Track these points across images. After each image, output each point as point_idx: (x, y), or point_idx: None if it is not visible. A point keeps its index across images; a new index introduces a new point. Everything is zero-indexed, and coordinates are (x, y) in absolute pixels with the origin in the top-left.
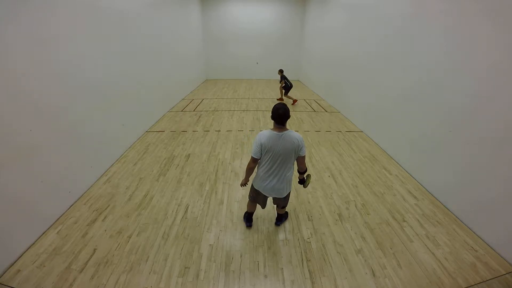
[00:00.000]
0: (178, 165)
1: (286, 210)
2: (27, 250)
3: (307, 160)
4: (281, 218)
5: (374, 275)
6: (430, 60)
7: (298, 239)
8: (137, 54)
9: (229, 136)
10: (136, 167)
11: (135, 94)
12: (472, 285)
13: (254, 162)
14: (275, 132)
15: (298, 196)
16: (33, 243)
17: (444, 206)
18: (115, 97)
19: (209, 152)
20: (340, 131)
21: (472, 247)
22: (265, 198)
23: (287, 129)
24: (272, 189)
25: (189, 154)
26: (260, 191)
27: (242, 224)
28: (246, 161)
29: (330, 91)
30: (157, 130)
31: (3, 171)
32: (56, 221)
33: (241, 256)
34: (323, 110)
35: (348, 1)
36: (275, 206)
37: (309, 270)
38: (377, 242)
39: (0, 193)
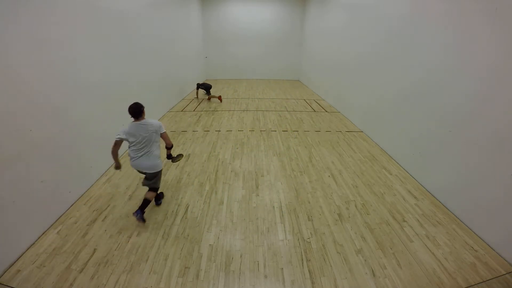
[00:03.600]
0: (178, 165)
1: (159, 192)
2: (27, 250)
3: (306, 159)
4: (159, 197)
5: (374, 275)
6: (430, 60)
7: (298, 239)
8: (137, 54)
9: (229, 136)
10: None
11: (135, 94)
12: (472, 285)
13: (116, 144)
14: (135, 123)
15: (298, 196)
16: (33, 243)
17: (444, 206)
18: (115, 97)
19: (209, 152)
20: (340, 131)
21: (472, 247)
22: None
23: (144, 119)
24: (139, 165)
25: (189, 154)
26: (135, 169)
27: (242, 224)
28: (246, 161)
29: (330, 91)
30: None
31: (3, 171)
32: (56, 221)
33: (241, 256)
34: (323, 110)
35: (348, 1)
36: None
37: (309, 270)
38: (377, 242)
39: (0, 193)
